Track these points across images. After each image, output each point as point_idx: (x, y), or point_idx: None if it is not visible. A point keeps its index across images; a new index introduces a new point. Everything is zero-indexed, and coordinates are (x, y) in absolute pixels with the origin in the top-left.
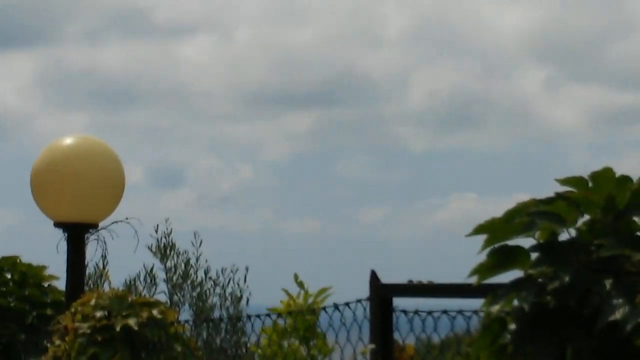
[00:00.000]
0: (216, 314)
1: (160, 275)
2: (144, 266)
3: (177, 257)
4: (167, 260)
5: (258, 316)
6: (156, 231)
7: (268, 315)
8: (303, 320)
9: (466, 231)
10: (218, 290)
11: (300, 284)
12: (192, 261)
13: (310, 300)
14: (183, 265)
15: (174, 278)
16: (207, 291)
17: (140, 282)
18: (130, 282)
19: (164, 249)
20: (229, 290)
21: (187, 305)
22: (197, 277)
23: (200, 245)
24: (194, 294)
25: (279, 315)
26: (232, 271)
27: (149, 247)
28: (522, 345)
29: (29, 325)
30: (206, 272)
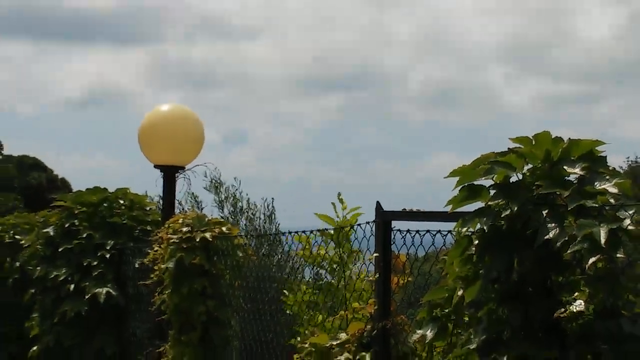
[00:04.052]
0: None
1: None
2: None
3: (227, 191)
4: (221, 194)
5: (297, 232)
6: (205, 176)
7: (304, 231)
8: (340, 232)
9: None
10: (260, 213)
11: (341, 200)
12: (239, 196)
13: (346, 212)
14: (231, 198)
15: (225, 207)
16: (253, 214)
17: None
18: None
19: (217, 187)
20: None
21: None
22: (243, 205)
23: (240, 184)
24: (244, 216)
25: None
26: (268, 202)
27: (205, 188)
28: (483, 255)
29: (135, 236)
30: (247, 203)
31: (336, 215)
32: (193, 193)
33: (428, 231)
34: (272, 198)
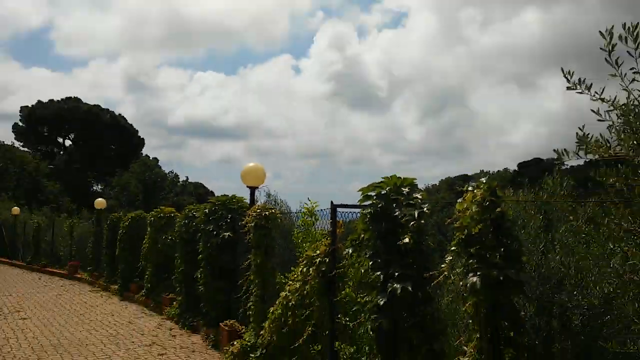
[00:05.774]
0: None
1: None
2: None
3: (270, 196)
4: (270, 197)
5: (297, 212)
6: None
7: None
8: (312, 212)
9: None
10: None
11: (310, 201)
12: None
13: (312, 204)
14: (274, 198)
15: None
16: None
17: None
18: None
19: (268, 195)
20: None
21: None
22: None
23: (277, 194)
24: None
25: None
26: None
27: (263, 196)
28: (371, 222)
29: (239, 212)
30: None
31: (307, 204)
32: (267, 197)
33: (351, 212)
34: (281, 198)
